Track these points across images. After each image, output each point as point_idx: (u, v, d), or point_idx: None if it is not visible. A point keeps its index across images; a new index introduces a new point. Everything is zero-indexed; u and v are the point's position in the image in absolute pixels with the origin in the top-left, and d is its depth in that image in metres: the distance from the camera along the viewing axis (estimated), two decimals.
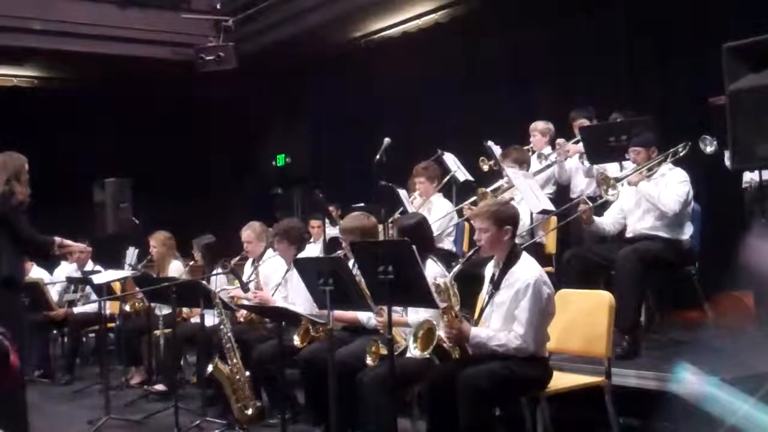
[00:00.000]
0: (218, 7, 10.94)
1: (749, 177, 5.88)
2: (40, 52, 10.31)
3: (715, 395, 3.20)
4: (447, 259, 6.18)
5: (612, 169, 6.20)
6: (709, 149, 5.73)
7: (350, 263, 4.45)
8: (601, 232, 5.41)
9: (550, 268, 5.82)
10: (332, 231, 6.95)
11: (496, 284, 4.05)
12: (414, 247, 3.74)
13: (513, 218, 4.10)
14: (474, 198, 6.24)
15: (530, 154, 6.83)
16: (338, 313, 4.62)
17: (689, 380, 3.34)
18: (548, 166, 6.72)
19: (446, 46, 9.48)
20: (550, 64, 8.39)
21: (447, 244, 6.60)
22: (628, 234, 5.37)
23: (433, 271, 4.40)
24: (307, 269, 4.39)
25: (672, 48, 7.26)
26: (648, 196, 5.17)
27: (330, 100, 11.22)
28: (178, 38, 10.82)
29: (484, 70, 9.01)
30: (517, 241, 4.31)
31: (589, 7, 7.97)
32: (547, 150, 6.90)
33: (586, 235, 6.30)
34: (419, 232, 4.75)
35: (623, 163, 5.78)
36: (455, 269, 4.15)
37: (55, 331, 8.32)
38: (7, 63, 10.94)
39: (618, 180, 5.21)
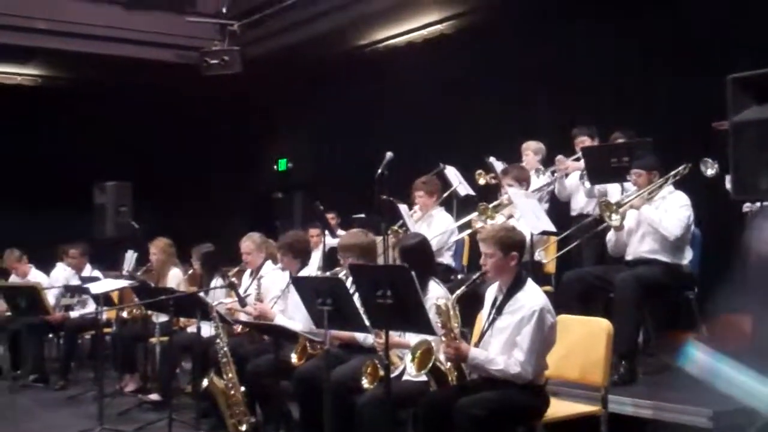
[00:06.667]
0: (224, 10, 10.91)
1: None
2: (44, 52, 10.32)
3: (723, 372, 3.20)
4: (445, 273, 6.19)
5: (613, 189, 6.19)
6: (710, 172, 5.71)
7: (348, 282, 4.45)
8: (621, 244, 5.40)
9: (548, 287, 5.81)
10: (332, 241, 6.92)
11: (498, 309, 4.03)
12: (413, 273, 3.72)
13: (519, 244, 4.08)
14: (476, 214, 6.21)
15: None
16: (335, 332, 4.62)
17: (699, 359, 3.33)
18: (548, 185, 6.71)
19: (451, 57, 9.45)
20: (555, 78, 8.36)
21: (446, 258, 6.57)
22: (628, 257, 5.36)
23: (436, 293, 4.39)
24: (305, 288, 4.37)
25: (678, 69, 7.24)
26: (650, 221, 5.16)
27: (333, 107, 11.21)
28: (182, 41, 10.82)
29: (489, 82, 8.98)
30: None
31: (594, 24, 7.94)
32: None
33: (586, 254, 6.31)
34: (420, 252, 4.76)
35: (625, 185, 5.77)
36: (458, 292, 4.09)
37: (50, 335, 8.29)
38: (11, 61, 10.96)
39: (620, 205, 5.19)
